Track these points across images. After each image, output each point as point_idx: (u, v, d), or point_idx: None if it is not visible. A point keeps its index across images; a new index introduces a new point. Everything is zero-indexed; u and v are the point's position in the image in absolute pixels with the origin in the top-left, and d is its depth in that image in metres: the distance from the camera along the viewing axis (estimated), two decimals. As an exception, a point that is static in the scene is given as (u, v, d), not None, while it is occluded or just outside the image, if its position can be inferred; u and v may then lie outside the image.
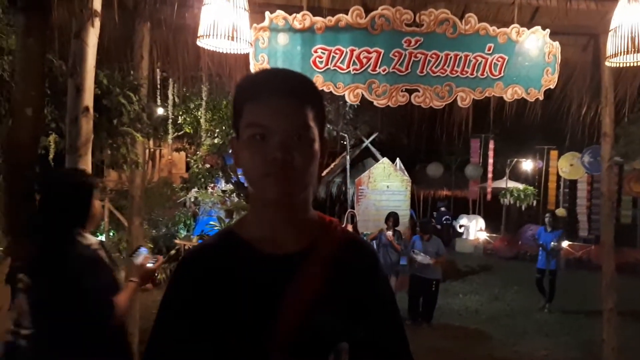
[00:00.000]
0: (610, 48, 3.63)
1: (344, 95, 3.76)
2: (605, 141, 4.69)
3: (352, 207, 10.07)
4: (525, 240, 13.87)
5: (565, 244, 13.88)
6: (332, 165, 14.72)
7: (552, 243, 8.40)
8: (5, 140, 4.23)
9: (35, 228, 2.21)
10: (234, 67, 4.17)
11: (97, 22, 2.64)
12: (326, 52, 3.56)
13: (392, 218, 7.93)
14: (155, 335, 1.03)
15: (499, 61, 4.07)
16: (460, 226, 16.13)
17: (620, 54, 3.56)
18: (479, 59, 4.02)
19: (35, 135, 4.43)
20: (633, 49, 3.49)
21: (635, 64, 3.79)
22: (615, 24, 3.56)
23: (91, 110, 2.64)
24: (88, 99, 2.61)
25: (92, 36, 2.63)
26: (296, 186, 0.99)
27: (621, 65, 3.87)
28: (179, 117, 9.54)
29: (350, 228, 7.92)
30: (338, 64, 3.59)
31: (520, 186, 16.22)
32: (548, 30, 4.18)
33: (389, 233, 7.74)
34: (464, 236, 16.04)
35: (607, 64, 3.89)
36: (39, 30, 4.23)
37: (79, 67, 2.56)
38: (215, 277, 0.99)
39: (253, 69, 3.52)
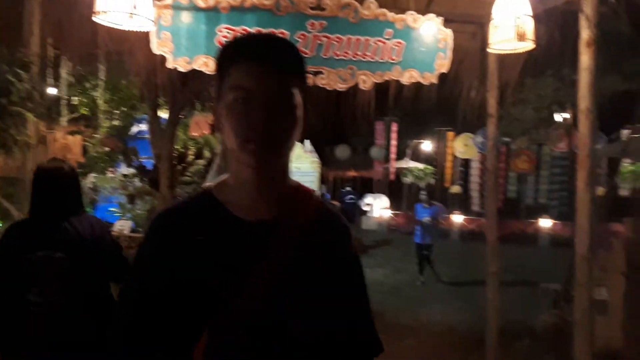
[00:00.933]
0: (493, 36, 4.01)
1: (250, 75, 3.79)
2: (490, 122, 5.14)
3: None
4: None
5: (460, 218, 15.06)
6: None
7: (426, 219, 8.72)
8: None
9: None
10: (135, 45, 4.03)
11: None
12: (231, 33, 3.56)
13: None
14: (126, 292, 1.03)
15: (396, 46, 4.31)
16: (366, 204, 16.84)
17: (502, 42, 3.95)
18: (379, 43, 4.23)
19: None
20: (513, 37, 3.89)
21: (515, 51, 4.23)
22: (497, 14, 3.94)
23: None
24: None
25: (-26, 7, 2.42)
26: (276, 153, 0.98)
27: (503, 52, 4.29)
28: (74, 98, 8.94)
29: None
30: (243, 44, 3.60)
31: (420, 166, 17.24)
32: (441, 18, 4.49)
33: None
34: (369, 214, 16.78)
35: (490, 50, 4.29)
36: None
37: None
38: (187, 237, 0.98)
39: (155, 48, 3.43)
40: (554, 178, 15.82)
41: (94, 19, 2.85)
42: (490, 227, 5.22)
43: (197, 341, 0.95)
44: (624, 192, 14.26)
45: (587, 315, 3.58)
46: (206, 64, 3.49)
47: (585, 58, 3.82)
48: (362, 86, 4.21)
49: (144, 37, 3.54)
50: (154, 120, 8.11)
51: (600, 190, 8.26)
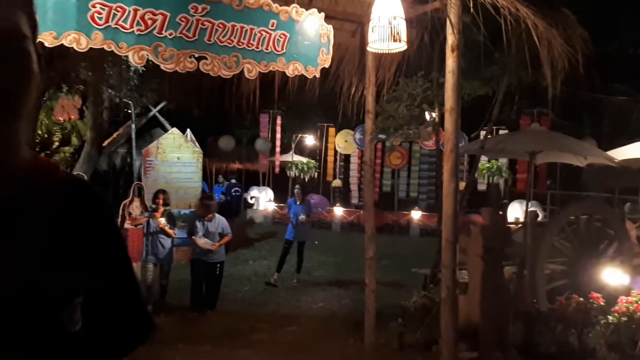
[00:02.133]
0: (371, 35, 4.25)
1: (127, 56, 3.59)
2: (368, 117, 5.43)
3: (139, 180, 9.61)
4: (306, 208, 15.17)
5: (341, 210, 15.69)
6: (114, 135, 13.64)
7: (301, 216, 8.29)
8: None
9: None
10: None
11: None
12: (106, 9, 3.34)
13: (162, 195, 6.80)
14: None
15: (281, 37, 4.37)
16: (251, 197, 16.79)
17: (379, 42, 4.20)
18: (264, 33, 4.25)
19: None
20: (388, 38, 4.15)
21: (390, 51, 4.52)
22: (375, 15, 4.18)
23: None
24: None
25: None
26: (9, 115, 0.79)
27: (380, 52, 4.57)
28: None
29: (137, 201, 7.57)
30: (120, 22, 3.40)
31: (304, 160, 17.60)
32: (323, 14, 4.64)
33: (161, 220, 6.59)
34: (255, 207, 16.75)
35: (368, 49, 4.54)
36: None
37: None
38: None
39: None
40: (423, 173, 17.17)
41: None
42: (368, 215, 5.53)
43: None
44: (481, 186, 15.99)
45: (452, 292, 3.98)
46: (77, 41, 3.22)
47: (450, 62, 4.22)
48: (247, 75, 4.21)
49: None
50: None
51: (462, 185, 9.14)
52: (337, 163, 18.45)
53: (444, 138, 4.50)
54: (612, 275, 5.37)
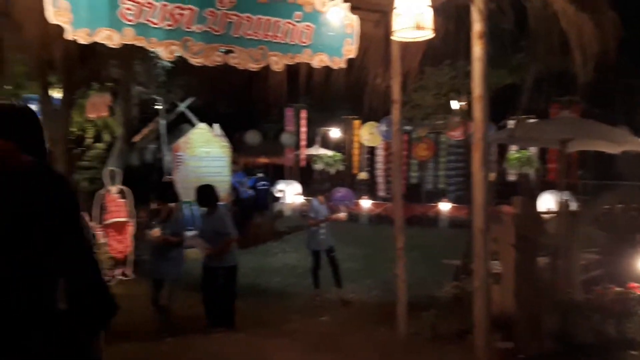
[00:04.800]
0: (395, 24, 4.21)
1: (157, 51, 3.66)
2: (395, 107, 5.39)
3: (170, 175, 9.79)
4: (335, 202, 15.21)
5: (368, 203, 15.66)
6: (144, 131, 13.92)
7: (325, 215, 7.24)
8: None
9: None
10: (25, 17, 3.71)
11: None
12: (136, 5, 3.40)
13: (159, 204, 5.61)
14: None
15: (306, 29, 4.37)
16: (278, 191, 16.91)
17: (404, 30, 4.16)
18: (289, 25, 4.27)
19: None
20: (414, 26, 4.11)
21: (415, 40, 4.47)
22: (399, 3, 4.14)
23: None
24: None
25: None
26: None
27: (406, 40, 4.52)
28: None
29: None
30: (150, 18, 3.47)
31: (330, 153, 17.60)
32: (348, 4, 4.62)
33: (155, 230, 5.40)
34: (282, 200, 16.88)
35: (393, 38, 4.51)
36: None
37: None
38: None
39: (52, 17, 3.18)
40: (451, 165, 16.94)
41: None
42: (397, 207, 5.51)
43: None
44: (511, 177, 15.68)
45: (484, 282, 3.93)
46: (109, 37, 3.30)
47: (478, 49, 4.15)
48: (274, 67, 4.23)
49: (35, 7, 3.27)
50: (46, 101, 7.50)
51: (491, 176, 9.00)
52: (363, 156, 18.39)
53: (471, 128, 4.44)
54: (650, 264, 5.22)
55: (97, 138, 9.57)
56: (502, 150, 14.41)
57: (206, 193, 5.61)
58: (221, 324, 5.36)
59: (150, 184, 9.37)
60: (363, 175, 18.18)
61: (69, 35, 3.21)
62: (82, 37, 3.21)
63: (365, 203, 15.82)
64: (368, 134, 17.58)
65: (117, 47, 3.43)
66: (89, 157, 9.38)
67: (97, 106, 8.81)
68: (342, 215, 7.51)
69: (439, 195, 16.43)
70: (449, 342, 4.67)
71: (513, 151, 13.97)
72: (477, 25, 4.12)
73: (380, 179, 17.82)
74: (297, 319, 5.90)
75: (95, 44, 3.37)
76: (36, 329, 0.87)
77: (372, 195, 17.20)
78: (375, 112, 13.27)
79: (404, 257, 5.15)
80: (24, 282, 0.87)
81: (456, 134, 14.75)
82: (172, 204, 5.76)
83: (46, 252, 0.90)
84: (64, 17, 3.15)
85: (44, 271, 0.90)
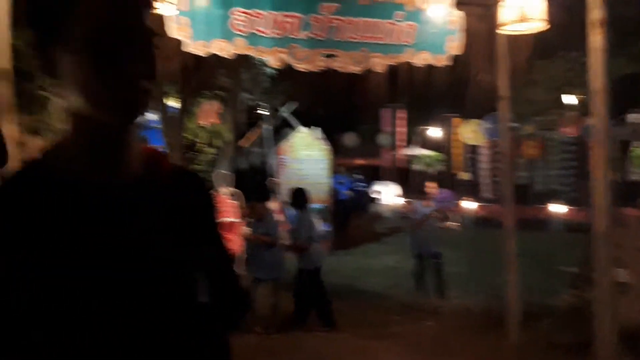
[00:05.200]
0: (501, 17, 4.02)
1: (265, 59, 3.84)
2: (502, 104, 5.14)
3: (274, 177, 10.20)
4: (437, 203, 14.82)
5: (472, 204, 15.07)
6: (250, 136, 14.67)
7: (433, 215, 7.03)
8: None
9: None
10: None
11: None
12: (246, 16, 3.60)
13: (250, 204, 5.94)
14: None
15: (408, 28, 4.33)
16: (376, 192, 16.89)
17: (512, 23, 3.96)
18: (391, 25, 4.25)
19: None
20: (521, 19, 3.89)
21: (524, 32, 4.23)
22: (507, -5, 3.94)
23: (9, 74, 2.50)
24: (4, 61, 2.48)
25: (1, -6, 2.48)
26: (145, 106, 0.84)
27: (513, 34, 4.30)
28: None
29: (275, 197, 8.02)
30: (259, 27, 3.65)
31: (429, 153, 17.22)
32: (451, 0, 4.50)
33: (245, 229, 5.70)
34: (380, 201, 16.82)
35: (500, 32, 4.30)
36: None
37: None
38: (35, 220, 0.80)
39: (174, 32, 3.47)
40: (563, 163, 15.74)
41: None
42: (508, 210, 5.25)
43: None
44: (634, 176, 14.16)
45: (608, 291, 3.61)
46: (223, 48, 3.53)
47: (596, 38, 3.81)
48: (375, 68, 4.24)
49: (157, 21, 3.58)
50: (164, 109, 8.19)
51: (612, 175, 8.21)
52: (464, 155, 17.74)
53: (588, 122, 4.09)
54: None
55: (208, 143, 10.23)
56: (624, 146, 13.12)
57: (297, 195, 5.82)
58: (321, 324, 5.48)
59: (253, 186, 9.85)
60: (465, 175, 17.53)
61: (189, 48, 3.48)
62: (199, 49, 3.47)
63: (468, 205, 15.23)
64: (470, 132, 16.91)
65: (229, 57, 3.65)
66: (200, 161, 10.07)
67: (208, 113, 9.43)
68: (451, 222, 7.22)
69: (549, 197, 15.35)
70: (566, 354, 4.35)
71: (637, 147, 12.66)
72: (595, 13, 3.80)
73: (483, 180, 17.06)
74: (398, 321, 5.82)
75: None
76: (188, 323, 0.93)
77: (475, 196, 16.52)
78: (479, 110, 12.74)
79: (514, 262, 4.89)
80: (183, 278, 0.94)
81: (570, 131, 13.69)
82: (266, 204, 5.99)
83: (198, 247, 0.96)
84: (185, 31, 3.43)
85: (196, 267, 0.97)
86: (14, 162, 2.95)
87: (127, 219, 0.86)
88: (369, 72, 4.50)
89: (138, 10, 0.81)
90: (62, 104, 0.85)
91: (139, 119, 0.87)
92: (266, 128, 13.86)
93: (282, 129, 15.02)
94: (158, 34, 0.84)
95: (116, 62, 0.78)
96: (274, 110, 14.30)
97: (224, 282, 1.07)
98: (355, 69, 4.20)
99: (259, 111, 13.22)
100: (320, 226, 6.23)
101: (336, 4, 3.91)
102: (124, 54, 0.78)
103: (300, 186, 6.08)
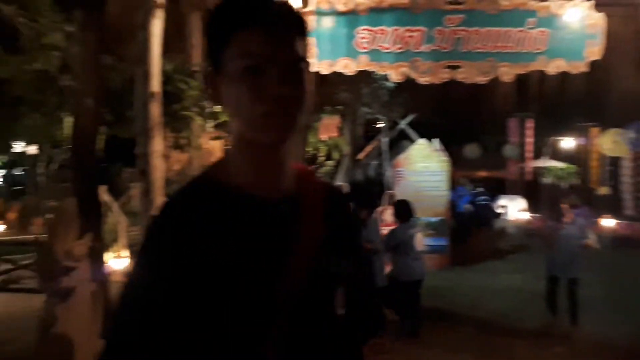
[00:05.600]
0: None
1: (387, 74, 3.87)
2: (653, 112, 4.62)
3: (390, 189, 10.17)
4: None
5: (612, 222, 13.60)
6: (368, 148, 14.83)
7: (586, 239, 6.26)
8: (72, 130, 4.56)
9: None
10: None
11: (161, 13, 2.84)
12: (370, 33, 3.67)
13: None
14: (133, 299, 0.89)
15: (541, 35, 4.09)
16: (500, 207, 15.96)
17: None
18: (521, 34, 4.06)
19: (96, 124, 4.75)
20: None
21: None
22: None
23: (159, 96, 2.84)
24: (155, 85, 2.82)
25: (157, 26, 2.83)
26: (293, 127, 0.90)
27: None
28: (217, 106, 9.83)
29: (390, 209, 8.00)
30: (382, 43, 3.70)
31: (561, 165, 15.90)
32: (591, 2, 4.16)
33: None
34: (504, 217, 15.86)
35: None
36: (96, 25, 4.51)
37: (146, 56, 2.75)
38: (205, 229, 0.88)
39: (300, 52, 3.65)
40: None
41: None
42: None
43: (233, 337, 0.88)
44: None
45: None
46: (347, 66, 3.64)
47: None
48: (503, 78, 4.06)
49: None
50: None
51: None
52: (603, 168, 16.07)
53: None
54: None
55: (328, 156, 10.53)
56: None
57: (400, 207, 5.87)
58: (406, 333, 5.51)
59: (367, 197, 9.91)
60: (603, 190, 15.87)
61: (314, 67, 3.64)
62: (324, 67, 3.61)
63: (607, 222, 13.74)
64: (611, 143, 15.25)
65: (352, 73, 3.75)
66: (320, 173, 10.41)
67: (329, 127, 9.72)
68: (589, 241, 6.55)
69: None
70: None
71: None
72: None
73: (625, 195, 15.28)
74: (525, 345, 5.44)
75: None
76: (328, 334, 0.97)
77: (615, 213, 14.84)
78: (620, 118, 11.51)
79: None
80: (331, 291, 1.00)
81: None
82: (370, 211, 6.04)
83: (345, 261, 1.01)
84: (310, 51, 3.59)
85: (341, 280, 1.02)
86: (159, 172, 3.35)
87: (283, 232, 0.93)
88: (494, 81, 4.32)
89: (287, 39, 0.87)
90: (229, 127, 0.94)
91: (290, 139, 0.92)
92: (384, 140, 13.89)
93: (399, 141, 14.93)
94: (306, 59, 0.89)
95: (265, 87, 0.85)
96: (392, 123, 14.28)
97: (362, 297, 1.10)
98: (481, 79, 4.06)
99: (377, 124, 13.32)
100: (425, 240, 6.12)
101: (462, 15, 3.83)
102: (273, 79, 0.85)
103: (404, 198, 6.09)
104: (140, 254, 0.91)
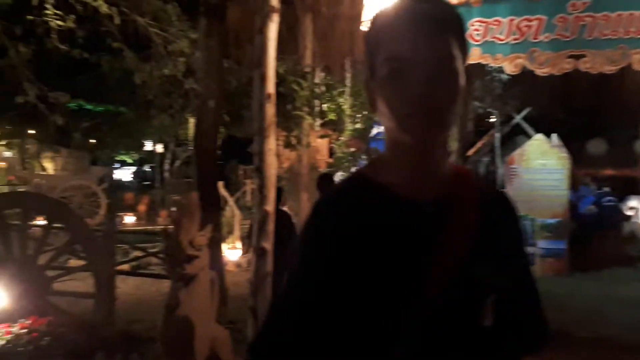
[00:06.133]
0: None
1: (501, 66, 3.69)
2: None
3: (502, 188, 9.64)
4: None
5: None
6: (478, 144, 14.20)
7: None
8: (195, 129, 4.97)
9: None
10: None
11: (276, 17, 2.98)
12: (483, 25, 3.53)
13: None
14: (293, 293, 0.95)
15: (684, 16, 3.63)
16: (630, 208, 14.43)
17: None
18: (659, 15, 3.63)
19: (217, 124, 5.13)
20: None
21: None
22: None
23: (273, 97, 3.00)
24: (270, 87, 2.97)
25: (273, 30, 2.98)
26: (440, 126, 0.88)
27: None
28: (324, 105, 9.98)
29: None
30: (496, 35, 3.54)
31: None
32: None
33: None
34: (635, 219, 14.33)
35: None
36: (218, 31, 4.87)
37: (263, 59, 2.91)
38: (357, 225, 0.91)
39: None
40: None
41: (362, 28, 3.19)
42: None
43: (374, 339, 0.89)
44: None
45: None
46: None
47: None
48: (636, 67, 3.67)
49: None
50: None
51: None
52: None
53: None
54: None
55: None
56: None
57: None
58: None
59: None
60: None
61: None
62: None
63: None
64: None
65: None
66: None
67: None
68: None
69: None
70: None
71: None
72: None
73: None
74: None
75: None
76: (470, 345, 0.95)
77: None
78: None
79: None
80: (480, 300, 0.97)
81: None
82: None
83: (504, 270, 0.97)
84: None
85: (495, 290, 0.99)
86: (272, 169, 3.51)
87: (425, 235, 0.92)
88: (623, 71, 3.92)
89: (430, 38, 0.86)
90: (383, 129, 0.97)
91: (442, 139, 0.93)
92: (496, 136, 13.21)
93: (513, 137, 14.09)
94: (456, 55, 0.88)
95: (407, 88, 0.85)
96: (506, 117, 13.51)
97: (518, 311, 1.04)
98: (609, 68, 3.71)
99: (489, 119, 12.71)
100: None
101: (588, 0, 3.53)
102: (414, 80, 0.85)
103: None
104: (301, 245, 0.96)
